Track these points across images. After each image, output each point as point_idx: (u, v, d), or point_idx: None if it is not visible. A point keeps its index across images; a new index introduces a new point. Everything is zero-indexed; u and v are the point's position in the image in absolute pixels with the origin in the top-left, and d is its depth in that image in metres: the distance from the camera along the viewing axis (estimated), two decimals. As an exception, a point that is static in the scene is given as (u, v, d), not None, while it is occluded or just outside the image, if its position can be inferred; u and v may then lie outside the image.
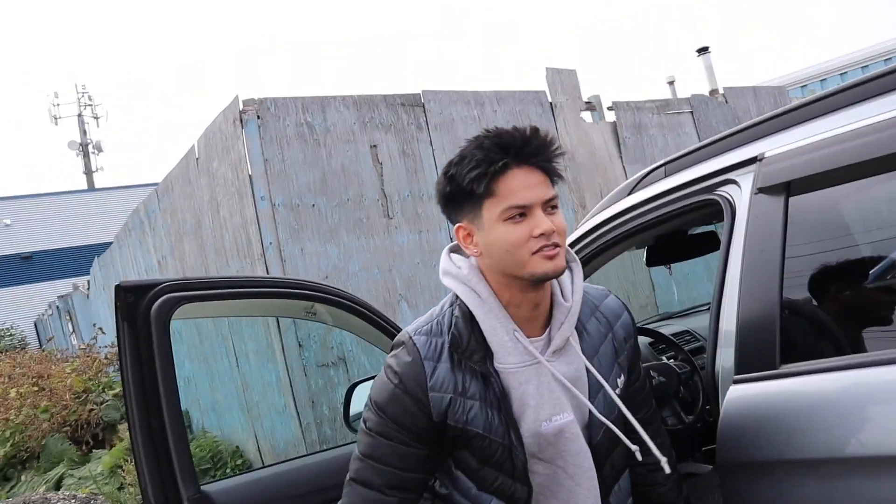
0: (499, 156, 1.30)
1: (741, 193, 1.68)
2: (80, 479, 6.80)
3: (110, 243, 11.05)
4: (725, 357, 1.63)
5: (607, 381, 1.39)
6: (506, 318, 1.35)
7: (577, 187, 6.39)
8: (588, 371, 1.39)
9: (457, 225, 1.39)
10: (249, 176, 4.86)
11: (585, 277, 1.64)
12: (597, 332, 1.45)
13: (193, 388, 6.84)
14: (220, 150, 5.24)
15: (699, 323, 2.88)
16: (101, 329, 9.55)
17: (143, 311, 1.80)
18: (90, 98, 30.18)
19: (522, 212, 1.30)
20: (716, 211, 1.78)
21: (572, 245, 2.18)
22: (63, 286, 17.41)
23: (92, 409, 7.74)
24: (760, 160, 1.64)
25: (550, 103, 6.38)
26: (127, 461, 6.34)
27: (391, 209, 5.29)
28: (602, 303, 1.51)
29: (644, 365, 1.68)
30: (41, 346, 17.16)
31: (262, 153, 4.86)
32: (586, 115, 6.79)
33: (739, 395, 1.56)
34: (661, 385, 2.04)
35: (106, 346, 9.10)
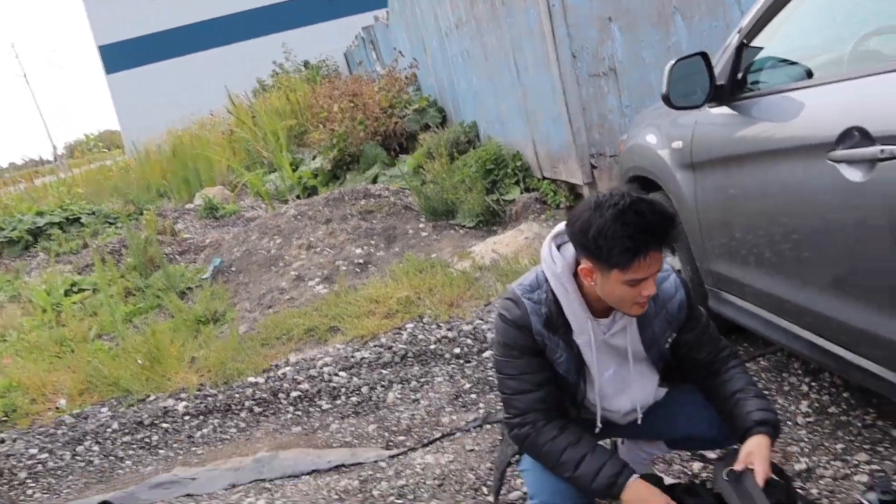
0: (643, 245, 1.62)
1: None
2: (390, 177, 8.13)
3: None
4: None
5: (660, 341, 1.89)
6: (584, 310, 1.82)
7: None
8: (641, 334, 1.88)
9: (582, 266, 1.74)
10: None
11: None
12: (651, 311, 1.86)
13: (481, 102, 7.57)
14: None
15: None
16: (400, 52, 10.53)
17: None
18: None
19: (641, 283, 1.68)
20: None
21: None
22: (365, 19, 18.90)
23: (397, 122, 8.93)
24: None
25: None
26: (427, 161, 7.41)
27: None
28: (660, 286, 1.84)
29: None
30: (350, 72, 19.23)
31: None
32: None
33: None
34: None
35: (405, 68, 10.11)
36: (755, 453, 1.71)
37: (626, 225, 1.62)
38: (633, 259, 1.64)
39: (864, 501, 1.81)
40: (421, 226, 6.66)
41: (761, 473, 1.66)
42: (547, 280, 1.84)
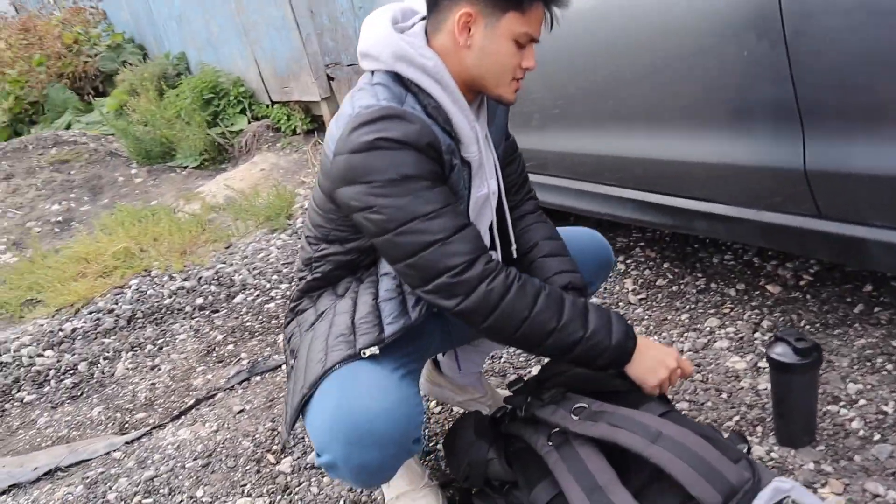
0: None
1: None
2: (87, 123, 6.78)
3: None
4: None
5: (502, 139, 1.54)
6: (471, 113, 1.35)
7: None
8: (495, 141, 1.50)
9: (463, 10, 1.25)
10: None
11: None
12: (493, 107, 1.49)
13: (187, 27, 6.51)
14: None
15: None
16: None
17: None
18: None
19: (527, 43, 1.30)
20: None
21: None
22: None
23: (87, 61, 7.49)
24: None
25: None
26: (132, 98, 6.26)
27: None
28: None
29: None
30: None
31: None
32: None
33: None
34: None
35: (90, 2, 8.56)
36: None
37: None
38: None
39: (774, 357, 1.45)
40: (133, 171, 5.57)
41: None
42: (409, 86, 1.29)
